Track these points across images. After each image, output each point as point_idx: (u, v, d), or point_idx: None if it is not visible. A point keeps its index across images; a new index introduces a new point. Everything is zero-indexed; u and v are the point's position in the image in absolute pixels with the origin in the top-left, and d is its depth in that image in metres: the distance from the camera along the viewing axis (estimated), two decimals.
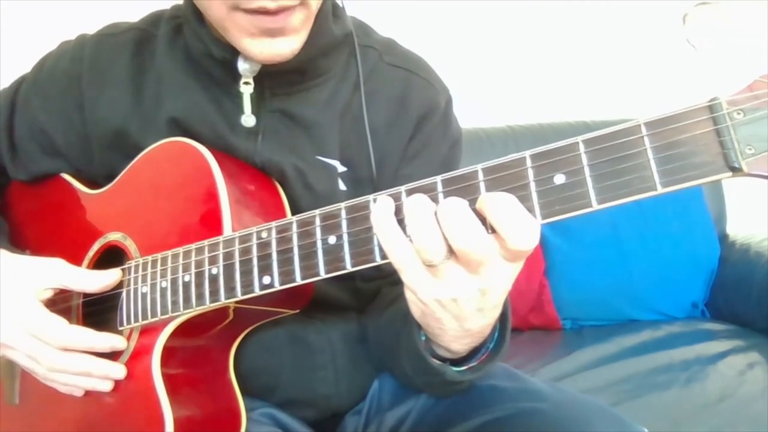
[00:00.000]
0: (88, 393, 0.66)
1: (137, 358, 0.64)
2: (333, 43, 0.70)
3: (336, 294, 0.74)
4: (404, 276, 0.48)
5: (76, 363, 0.64)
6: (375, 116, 0.72)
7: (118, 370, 0.64)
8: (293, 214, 0.67)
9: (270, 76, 0.68)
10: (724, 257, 1.59)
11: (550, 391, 0.69)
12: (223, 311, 0.63)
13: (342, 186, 0.72)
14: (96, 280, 0.66)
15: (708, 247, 1.59)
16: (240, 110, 0.68)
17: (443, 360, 0.61)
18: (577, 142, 0.43)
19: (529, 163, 0.44)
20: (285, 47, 0.61)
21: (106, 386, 0.65)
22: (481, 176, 0.45)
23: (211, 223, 0.62)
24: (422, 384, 0.69)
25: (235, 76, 0.67)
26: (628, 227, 1.53)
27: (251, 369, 0.72)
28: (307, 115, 0.70)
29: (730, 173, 0.38)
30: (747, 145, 0.37)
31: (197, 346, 0.67)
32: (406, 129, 0.74)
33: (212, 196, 0.62)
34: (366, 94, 0.72)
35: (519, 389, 0.69)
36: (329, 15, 0.69)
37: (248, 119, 0.68)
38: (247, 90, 0.67)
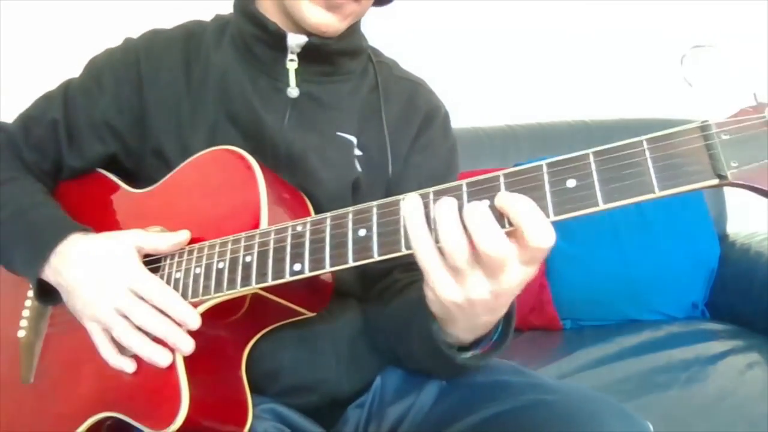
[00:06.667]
0: (106, 369, 0.68)
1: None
2: (360, 47, 0.84)
3: (341, 279, 0.76)
4: (429, 277, 0.52)
5: (164, 326, 0.64)
6: (388, 113, 0.83)
7: (188, 343, 0.64)
8: (313, 186, 0.76)
9: (305, 62, 0.79)
10: (724, 257, 1.59)
11: (557, 384, 0.70)
12: (246, 302, 0.66)
13: (357, 167, 0.80)
14: (168, 241, 0.69)
15: (708, 247, 1.60)
16: (275, 89, 0.79)
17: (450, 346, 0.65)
18: (588, 154, 0.48)
19: (545, 170, 0.49)
20: (333, 22, 0.75)
21: (167, 360, 0.64)
22: (502, 180, 0.50)
23: (248, 216, 0.66)
24: (430, 366, 0.72)
25: (283, 52, 0.78)
26: (628, 227, 1.53)
27: (254, 354, 0.74)
28: (330, 100, 0.81)
29: (717, 180, 0.44)
30: (732, 160, 0.44)
31: (217, 336, 0.69)
32: (414, 123, 0.85)
33: (254, 204, 0.66)
34: (382, 96, 0.84)
35: (526, 383, 0.70)
36: (361, 30, 0.84)
37: (293, 90, 0.79)
38: (292, 66, 0.78)
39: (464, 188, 0.51)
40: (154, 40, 0.84)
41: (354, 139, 0.81)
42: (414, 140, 0.84)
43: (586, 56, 1.85)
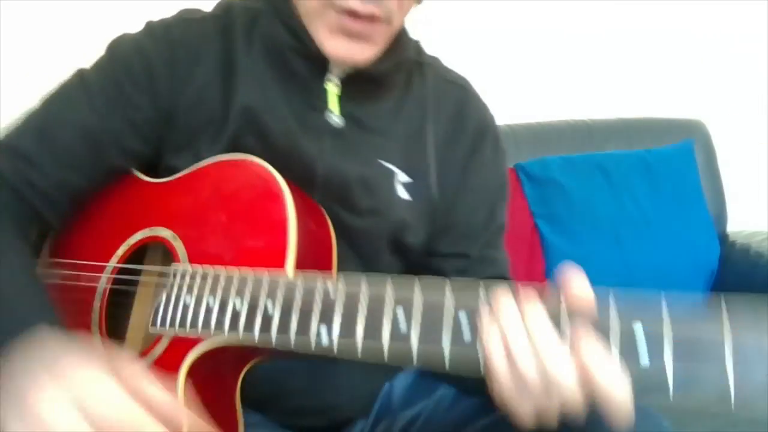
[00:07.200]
0: None
1: (163, 362, 0.62)
2: (408, 58, 0.74)
3: None
4: (501, 392, 0.48)
5: None
6: (437, 131, 0.75)
7: None
8: (355, 217, 0.70)
9: (349, 82, 0.70)
10: (724, 257, 1.59)
11: None
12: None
13: (407, 196, 0.72)
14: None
15: (708, 247, 1.59)
16: (314, 110, 0.70)
17: None
18: (663, 337, 0.45)
19: (613, 327, 0.46)
20: (359, 52, 0.65)
21: None
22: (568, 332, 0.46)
23: (272, 255, 0.60)
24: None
25: (321, 73, 0.69)
26: (628, 227, 1.53)
27: (259, 374, 0.68)
28: (372, 124, 0.72)
29: None
30: None
31: (216, 364, 0.65)
32: (466, 142, 0.76)
33: (280, 228, 0.61)
34: (429, 109, 0.75)
35: None
36: (406, 32, 0.73)
37: (336, 118, 0.70)
38: (334, 90, 0.69)
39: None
40: (188, 31, 0.72)
41: (395, 168, 0.72)
42: (468, 158, 0.75)
43: (586, 56, 1.85)
